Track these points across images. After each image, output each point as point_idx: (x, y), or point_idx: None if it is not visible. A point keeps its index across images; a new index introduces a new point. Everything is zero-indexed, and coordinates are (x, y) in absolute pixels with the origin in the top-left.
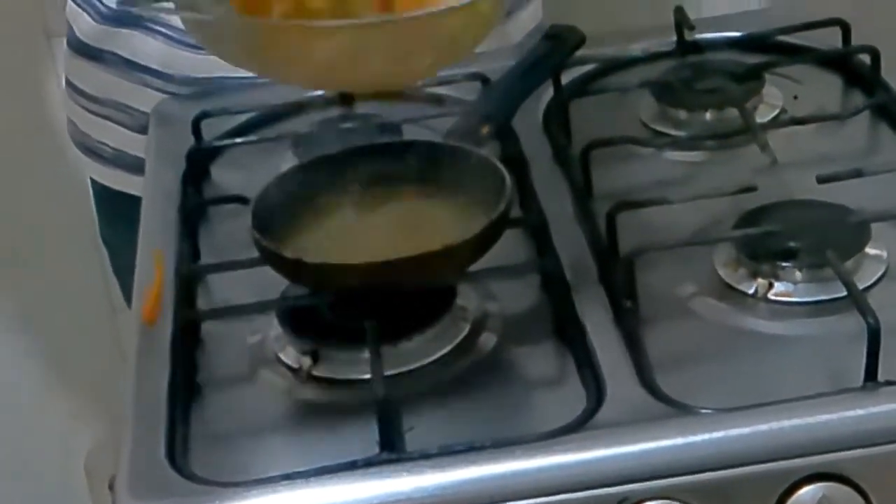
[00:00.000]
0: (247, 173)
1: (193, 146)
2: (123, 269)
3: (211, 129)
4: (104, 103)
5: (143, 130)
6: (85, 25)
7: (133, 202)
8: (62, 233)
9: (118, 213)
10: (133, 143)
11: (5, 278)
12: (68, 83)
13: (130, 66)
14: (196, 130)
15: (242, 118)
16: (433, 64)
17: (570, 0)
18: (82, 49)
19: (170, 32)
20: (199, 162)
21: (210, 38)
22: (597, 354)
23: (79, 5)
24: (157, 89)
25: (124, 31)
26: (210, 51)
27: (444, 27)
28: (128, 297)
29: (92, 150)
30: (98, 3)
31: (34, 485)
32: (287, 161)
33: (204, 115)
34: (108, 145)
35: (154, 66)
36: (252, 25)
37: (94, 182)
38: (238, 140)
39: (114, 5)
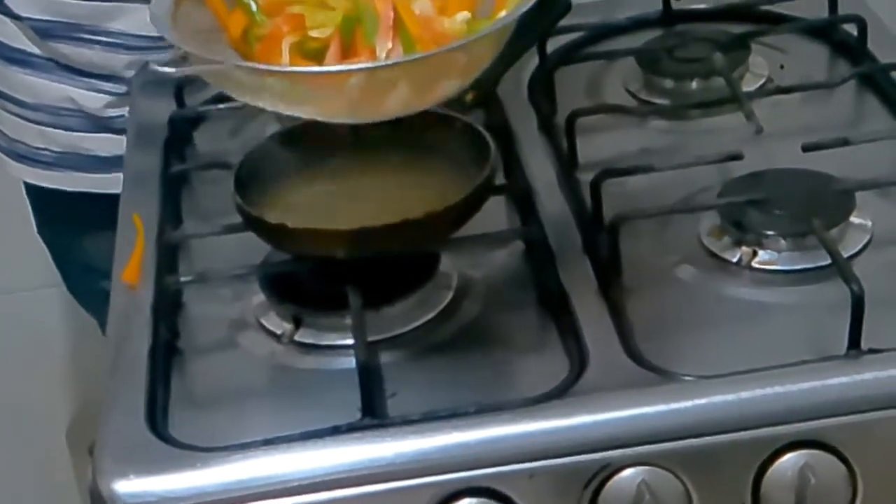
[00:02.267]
0: (230, 139)
1: (176, 112)
2: (66, 265)
3: (194, 95)
4: (40, 109)
5: (97, 129)
6: (8, 30)
7: (74, 199)
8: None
9: (56, 212)
10: (84, 143)
11: None
12: None
13: (71, 72)
14: (178, 96)
15: None
16: (458, 87)
17: None
18: (7, 54)
19: (107, 39)
20: (182, 128)
21: (224, 83)
22: (580, 322)
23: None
24: (108, 92)
25: (54, 44)
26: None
27: (468, 54)
28: (72, 289)
29: (26, 157)
30: (20, 13)
31: (15, 458)
32: (270, 127)
33: (186, 80)
34: (49, 150)
35: (99, 72)
36: (281, 74)
37: (28, 184)
38: (221, 106)
39: (36, 16)
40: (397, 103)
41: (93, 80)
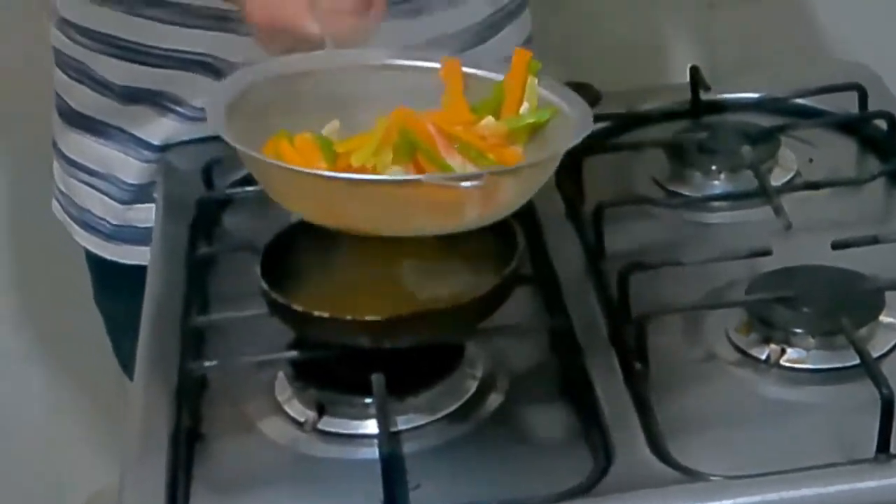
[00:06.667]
0: (259, 221)
1: (204, 194)
2: (118, 333)
3: (223, 175)
4: (105, 178)
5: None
6: (85, 99)
7: (131, 271)
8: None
9: (113, 282)
10: (139, 216)
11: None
12: (62, 155)
13: (139, 144)
14: (207, 178)
15: None
16: (484, 218)
17: (585, 57)
18: (81, 122)
19: (182, 110)
20: (210, 210)
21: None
22: (606, 416)
23: (72, 77)
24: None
25: (137, 108)
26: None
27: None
28: (121, 359)
29: (90, 226)
30: (106, 78)
31: None
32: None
33: (214, 161)
34: (107, 221)
35: (159, 144)
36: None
37: (88, 252)
38: (249, 188)
39: (122, 82)
40: (422, 223)
41: (156, 154)
